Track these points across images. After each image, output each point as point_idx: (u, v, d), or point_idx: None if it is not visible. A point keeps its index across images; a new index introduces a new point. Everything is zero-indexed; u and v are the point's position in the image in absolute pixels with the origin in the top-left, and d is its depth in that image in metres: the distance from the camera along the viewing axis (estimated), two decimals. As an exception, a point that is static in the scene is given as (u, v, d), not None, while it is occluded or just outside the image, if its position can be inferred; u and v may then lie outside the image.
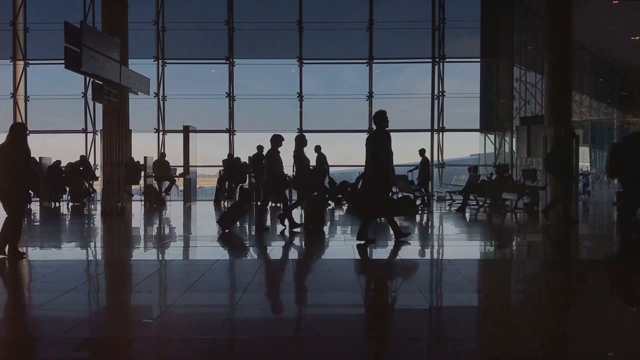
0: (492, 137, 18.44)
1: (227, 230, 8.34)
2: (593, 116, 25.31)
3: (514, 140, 17.11)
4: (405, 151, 22.56)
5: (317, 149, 13.52)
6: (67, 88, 16.97)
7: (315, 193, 10.46)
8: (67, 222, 11.12)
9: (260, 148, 13.95)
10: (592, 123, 25.11)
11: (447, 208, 13.23)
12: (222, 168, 15.16)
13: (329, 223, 9.56)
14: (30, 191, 10.03)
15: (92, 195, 15.33)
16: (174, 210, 13.58)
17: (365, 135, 17.18)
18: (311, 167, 10.19)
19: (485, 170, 17.34)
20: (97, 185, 14.91)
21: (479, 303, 4.48)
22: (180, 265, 6.21)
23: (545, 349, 3.22)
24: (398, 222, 7.41)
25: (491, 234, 9.24)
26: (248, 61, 17.81)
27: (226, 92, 17.18)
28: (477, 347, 3.38)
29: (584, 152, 21.45)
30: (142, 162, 14.45)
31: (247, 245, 7.88)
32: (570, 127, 11.05)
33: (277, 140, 8.47)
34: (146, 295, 4.66)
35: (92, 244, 8.16)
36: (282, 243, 7.73)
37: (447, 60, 17.16)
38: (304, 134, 8.67)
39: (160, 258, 6.68)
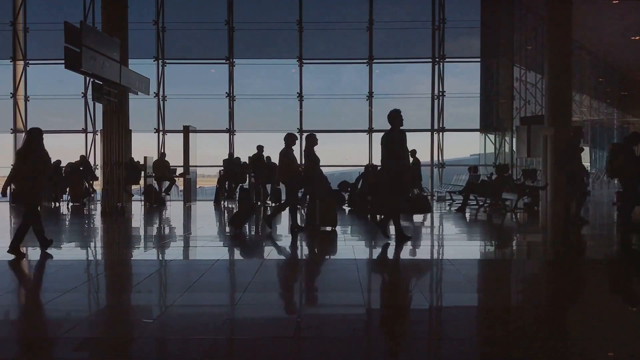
0: (492, 137, 18.44)
1: (238, 231, 8.34)
2: (593, 116, 25.32)
3: (514, 140, 17.11)
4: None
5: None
6: (67, 88, 16.98)
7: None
8: (67, 222, 11.12)
9: (260, 148, 13.95)
10: (592, 123, 25.12)
11: (447, 208, 13.22)
12: (222, 168, 15.16)
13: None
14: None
15: (92, 195, 15.34)
16: (174, 210, 13.58)
17: (365, 135, 17.30)
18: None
19: (485, 170, 17.33)
20: (97, 185, 14.91)
21: (478, 303, 4.48)
22: (180, 265, 6.21)
23: (545, 349, 3.21)
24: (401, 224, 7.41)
25: (491, 234, 9.24)
26: (248, 61, 17.82)
27: (226, 92, 17.18)
28: (477, 347, 3.38)
29: (584, 152, 21.41)
30: (142, 162, 14.45)
31: (262, 244, 7.88)
32: (579, 127, 11.05)
33: (291, 139, 8.42)
34: (146, 295, 4.66)
35: (92, 244, 8.16)
36: (295, 243, 7.69)
37: (447, 60, 17.16)
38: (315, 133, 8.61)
39: (160, 258, 6.68)
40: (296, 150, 8.69)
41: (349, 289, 4.68)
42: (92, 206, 14.21)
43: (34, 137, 6.32)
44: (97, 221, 10.98)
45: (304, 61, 17.06)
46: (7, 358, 3.09)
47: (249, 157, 14.50)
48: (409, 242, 7.11)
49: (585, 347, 3.28)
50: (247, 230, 8.95)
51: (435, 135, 17.27)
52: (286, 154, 8.35)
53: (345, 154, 19.44)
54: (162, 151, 16.18)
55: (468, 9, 17.69)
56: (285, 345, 3.28)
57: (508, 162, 17.03)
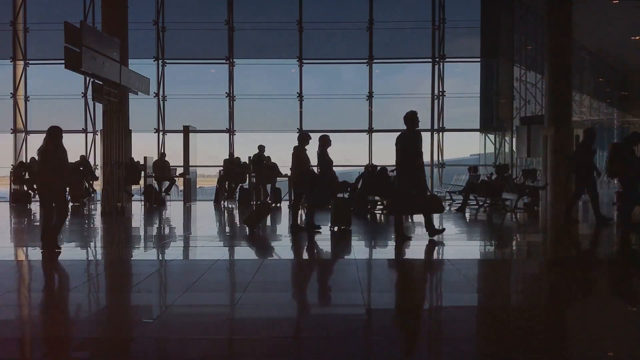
0: (492, 137, 18.44)
1: (254, 230, 8.34)
2: (593, 116, 25.30)
3: (514, 140, 17.11)
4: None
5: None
6: (67, 88, 16.98)
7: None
8: (67, 222, 11.11)
9: (261, 148, 13.94)
10: (592, 123, 25.10)
11: (447, 208, 13.22)
12: (222, 168, 15.16)
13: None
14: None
15: (92, 195, 15.33)
16: (174, 210, 13.58)
17: (365, 135, 17.29)
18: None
19: (485, 170, 17.33)
20: (97, 185, 14.90)
21: (478, 303, 4.48)
22: (180, 265, 6.21)
23: (545, 349, 3.21)
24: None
25: (491, 234, 9.24)
26: (248, 61, 17.81)
27: (226, 92, 17.18)
28: (477, 347, 3.38)
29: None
30: (142, 162, 14.44)
31: (283, 245, 7.89)
32: (591, 127, 11.04)
33: (304, 138, 8.38)
34: (146, 295, 4.66)
35: (92, 244, 8.16)
36: (319, 243, 7.69)
37: (447, 60, 17.16)
38: (327, 133, 8.58)
39: (160, 258, 6.68)
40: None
41: (350, 288, 4.68)
42: (92, 206, 14.21)
43: (56, 136, 6.54)
44: (97, 221, 10.98)
45: (304, 61, 17.06)
46: (7, 358, 3.09)
47: (250, 157, 14.49)
48: (409, 242, 7.12)
49: (585, 347, 3.28)
50: (262, 229, 8.90)
51: (435, 135, 17.27)
52: (298, 153, 8.31)
53: (345, 154, 19.41)
54: (162, 151, 16.18)
55: (468, 9, 17.69)
56: (285, 345, 3.28)
57: (508, 162, 17.03)
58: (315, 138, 8.48)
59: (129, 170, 13.30)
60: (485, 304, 4.43)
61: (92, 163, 16.21)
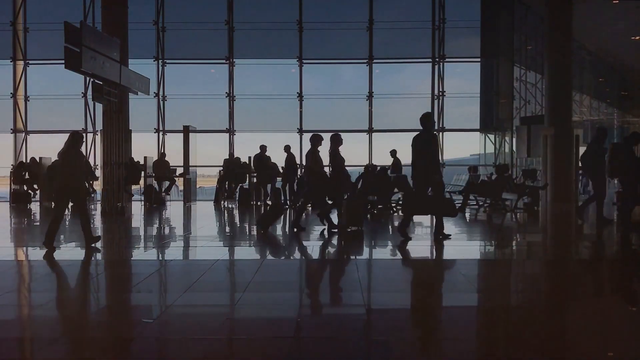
0: (492, 137, 18.43)
1: (262, 232, 8.33)
2: (593, 116, 25.30)
3: (514, 140, 17.11)
4: (405, 151, 22.51)
5: (287, 148, 13.58)
6: (67, 88, 16.98)
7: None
8: (67, 222, 11.11)
9: (263, 148, 13.93)
10: (592, 123, 25.10)
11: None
12: (222, 168, 15.16)
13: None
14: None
15: (92, 195, 15.33)
16: (174, 210, 13.58)
17: (365, 135, 17.28)
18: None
19: (485, 170, 17.33)
20: (97, 185, 14.90)
21: (478, 303, 4.48)
22: (180, 265, 6.21)
23: (545, 349, 3.22)
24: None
25: (491, 234, 9.24)
26: (248, 61, 17.81)
27: (226, 92, 17.18)
28: (477, 347, 3.38)
29: (583, 152, 21.42)
30: (142, 162, 14.44)
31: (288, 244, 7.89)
32: (602, 127, 11.03)
33: (317, 140, 8.39)
34: (146, 295, 4.66)
35: (92, 244, 8.13)
36: (329, 243, 7.70)
37: (447, 60, 17.15)
38: (339, 133, 8.58)
39: (160, 258, 6.68)
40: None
41: (351, 288, 4.68)
42: (92, 206, 14.21)
43: (77, 141, 6.95)
44: (97, 221, 10.97)
45: (304, 61, 17.05)
46: (7, 358, 3.09)
47: (251, 157, 14.48)
48: (408, 242, 7.13)
49: (585, 347, 3.28)
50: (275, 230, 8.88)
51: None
52: (312, 154, 8.32)
53: (345, 154, 19.45)
54: (162, 151, 16.18)
55: (468, 9, 17.68)
56: (285, 345, 3.28)
57: (508, 162, 17.03)
58: (317, 138, 8.46)
59: (129, 170, 13.30)
60: (484, 304, 4.43)
61: (92, 163, 16.20)
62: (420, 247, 7.38)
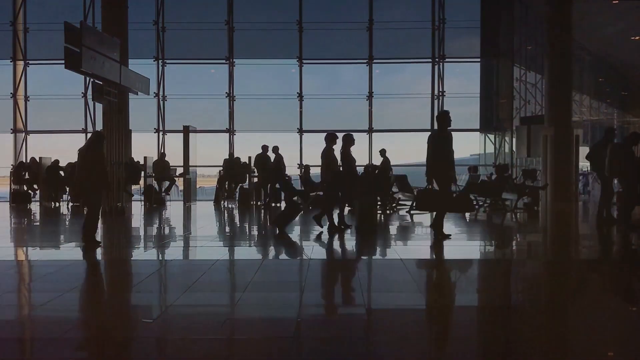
0: (492, 137, 18.44)
1: (279, 231, 8.32)
2: (593, 116, 25.31)
3: (514, 140, 17.11)
4: (405, 151, 22.58)
5: (275, 149, 13.59)
6: (67, 88, 16.98)
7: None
8: (67, 222, 11.12)
9: (265, 148, 13.93)
10: (592, 123, 25.10)
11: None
12: (222, 168, 15.16)
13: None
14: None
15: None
16: (173, 210, 13.58)
17: (365, 135, 17.28)
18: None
19: (485, 170, 17.34)
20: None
21: (478, 303, 4.48)
22: (180, 265, 6.21)
23: (545, 349, 3.22)
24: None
25: (491, 234, 9.24)
26: (248, 61, 17.82)
27: (226, 92, 17.19)
28: (477, 347, 3.38)
29: (583, 152, 21.48)
30: (142, 162, 14.44)
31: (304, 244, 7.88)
32: (611, 127, 11.04)
33: (332, 139, 8.40)
34: (146, 295, 4.66)
35: (89, 245, 8.13)
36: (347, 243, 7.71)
37: (447, 60, 17.16)
38: (351, 133, 8.59)
39: (160, 258, 6.68)
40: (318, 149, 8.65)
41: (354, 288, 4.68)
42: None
43: (100, 140, 7.19)
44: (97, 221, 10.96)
45: (304, 61, 17.06)
46: (8, 358, 3.09)
47: (251, 157, 14.46)
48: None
49: (585, 347, 3.28)
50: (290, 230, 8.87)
51: (435, 135, 17.24)
52: (327, 153, 8.33)
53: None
54: (162, 151, 16.18)
55: (468, 9, 17.69)
56: (285, 345, 3.28)
57: (508, 162, 17.03)
58: (332, 137, 8.48)
59: (129, 170, 13.29)
60: (484, 304, 4.43)
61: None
62: (419, 247, 7.39)
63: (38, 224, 10.97)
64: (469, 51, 17.89)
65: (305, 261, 6.41)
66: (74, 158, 15.15)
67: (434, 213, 7.80)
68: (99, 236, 8.90)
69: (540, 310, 4.20)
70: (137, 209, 13.63)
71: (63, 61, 9.61)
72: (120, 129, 11.91)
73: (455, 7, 17.13)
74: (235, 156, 15.73)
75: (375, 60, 17.14)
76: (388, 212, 12.09)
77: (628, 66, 25.19)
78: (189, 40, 17.56)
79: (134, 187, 14.93)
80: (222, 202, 14.65)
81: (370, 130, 17.24)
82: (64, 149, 18.64)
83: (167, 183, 14.97)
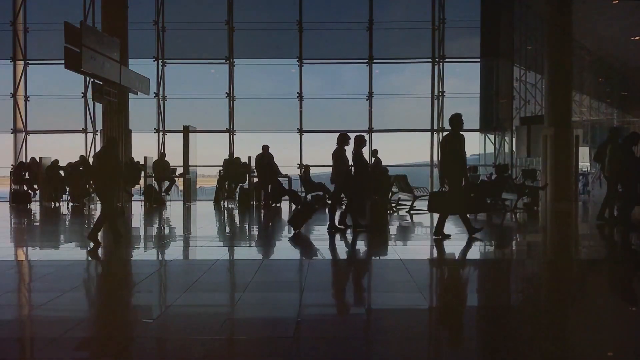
0: (492, 137, 18.43)
1: (297, 231, 8.31)
2: (593, 116, 25.32)
3: (514, 140, 17.12)
4: (405, 151, 22.54)
5: (265, 148, 13.59)
6: (67, 88, 16.97)
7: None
8: (67, 222, 11.12)
9: (265, 148, 13.93)
10: (592, 123, 25.12)
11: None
12: (222, 168, 15.15)
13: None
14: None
15: (92, 195, 15.33)
16: (173, 210, 13.58)
17: (365, 136, 17.27)
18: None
19: (485, 170, 17.34)
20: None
21: (478, 303, 4.48)
22: (180, 265, 6.21)
23: (544, 349, 3.22)
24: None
25: (490, 234, 9.24)
26: (248, 61, 17.80)
27: (226, 92, 17.18)
28: (477, 347, 3.38)
29: (583, 152, 21.49)
30: (142, 162, 14.44)
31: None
32: (615, 128, 11.04)
33: (344, 139, 8.39)
34: (146, 295, 4.66)
35: (92, 244, 8.13)
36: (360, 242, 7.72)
37: (447, 60, 17.15)
38: (363, 134, 8.62)
39: (160, 258, 6.69)
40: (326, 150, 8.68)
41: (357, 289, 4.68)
42: (92, 206, 14.21)
43: (114, 145, 7.48)
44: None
45: (304, 61, 17.06)
46: (8, 358, 3.10)
47: (251, 157, 14.45)
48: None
49: (585, 347, 3.28)
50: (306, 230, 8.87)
51: (435, 135, 17.26)
52: (338, 154, 8.31)
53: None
54: (162, 151, 16.17)
55: (468, 9, 17.68)
56: (285, 345, 3.28)
57: (508, 162, 17.03)
58: (343, 137, 8.52)
59: (129, 170, 13.29)
60: (484, 304, 4.43)
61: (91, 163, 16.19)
62: (419, 247, 7.39)
63: (38, 224, 10.97)
64: (468, 51, 17.88)
65: (312, 261, 6.42)
66: (74, 158, 15.21)
67: (437, 216, 7.82)
68: (99, 236, 8.93)
69: (541, 310, 4.20)
70: (137, 209, 13.63)
71: (63, 61, 9.62)
72: (120, 129, 11.93)
73: (455, 7, 17.13)
74: (235, 156, 15.73)
75: (375, 60, 17.14)
76: (388, 212, 12.08)
77: (628, 66, 25.21)
78: (189, 40, 17.55)
79: (134, 187, 14.92)
80: (222, 202, 14.65)
81: (370, 130, 17.24)
82: (63, 149, 18.63)
83: (167, 183, 14.96)
